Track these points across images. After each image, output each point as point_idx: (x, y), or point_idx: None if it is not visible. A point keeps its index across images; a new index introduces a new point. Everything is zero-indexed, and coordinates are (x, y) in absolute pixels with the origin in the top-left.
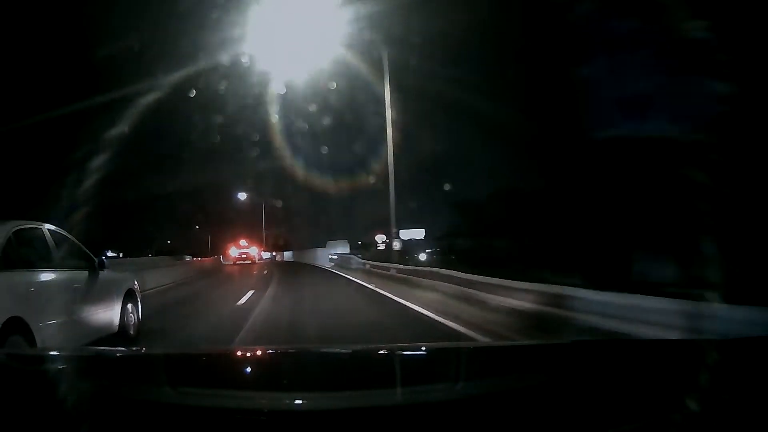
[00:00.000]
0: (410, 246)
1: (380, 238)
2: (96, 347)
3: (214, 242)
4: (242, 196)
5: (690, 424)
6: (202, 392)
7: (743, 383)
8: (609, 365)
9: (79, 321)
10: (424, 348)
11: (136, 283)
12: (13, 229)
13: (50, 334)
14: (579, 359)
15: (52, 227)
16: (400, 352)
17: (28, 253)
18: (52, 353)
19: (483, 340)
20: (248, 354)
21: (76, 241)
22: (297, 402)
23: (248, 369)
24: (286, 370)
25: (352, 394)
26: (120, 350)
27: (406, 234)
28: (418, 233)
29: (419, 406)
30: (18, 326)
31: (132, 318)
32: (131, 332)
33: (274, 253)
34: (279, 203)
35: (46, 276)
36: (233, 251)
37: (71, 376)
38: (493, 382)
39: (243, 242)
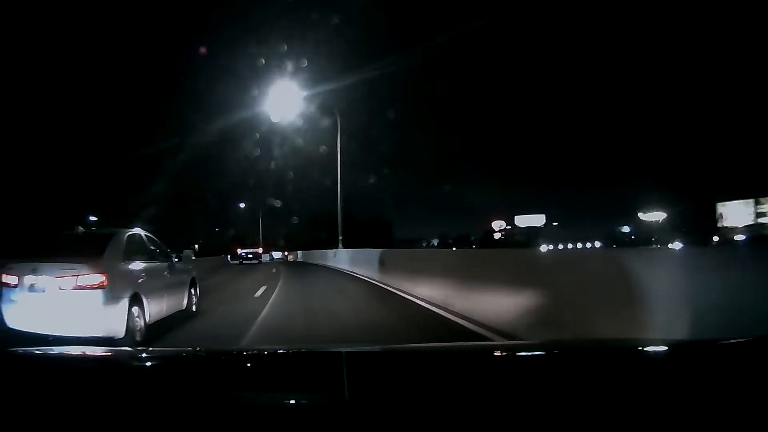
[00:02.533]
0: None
1: (498, 225)
2: (94, 347)
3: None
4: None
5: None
6: (202, 392)
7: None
8: (610, 372)
9: (167, 299)
10: (423, 348)
11: (194, 272)
12: (127, 233)
13: (152, 308)
14: (578, 364)
15: (146, 232)
16: (399, 352)
17: (136, 250)
18: (51, 353)
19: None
20: (247, 353)
21: (159, 241)
22: (296, 402)
23: (245, 369)
24: (285, 369)
25: (350, 395)
26: (120, 350)
27: (522, 220)
28: (538, 219)
29: (418, 406)
30: (137, 300)
31: (194, 299)
32: (193, 309)
33: (286, 253)
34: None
35: (148, 266)
36: (240, 251)
37: (72, 376)
38: (493, 383)
39: (250, 242)
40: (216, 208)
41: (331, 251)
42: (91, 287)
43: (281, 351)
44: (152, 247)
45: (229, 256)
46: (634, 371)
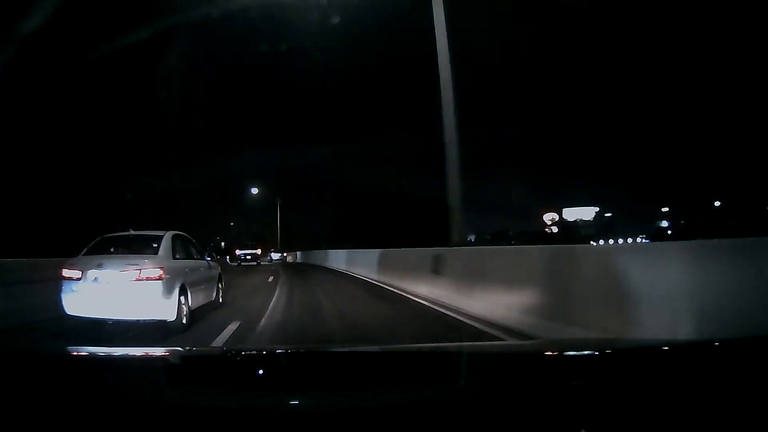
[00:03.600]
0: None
1: (550, 217)
2: (94, 347)
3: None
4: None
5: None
6: (202, 392)
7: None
8: (608, 373)
9: (203, 291)
10: (424, 348)
11: (220, 268)
12: (172, 235)
13: (194, 297)
14: (577, 365)
15: (186, 234)
16: (400, 352)
17: (180, 249)
18: (54, 353)
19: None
20: (247, 354)
21: (195, 241)
22: (297, 402)
23: (247, 369)
24: (287, 370)
25: (351, 395)
26: (121, 350)
27: (570, 213)
28: (587, 212)
29: (419, 406)
30: (183, 290)
31: (221, 293)
32: (220, 300)
33: (285, 254)
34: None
35: (190, 263)
36: (238, 252)
37: (73, 376)
38: (493, 383)
39: (249, 243)
40: (228, 197)
41: (354, 253)
42: (151, 279)
43: (291, 351)
44: (190, 247)
45: (228, 257)
46: (635, 371)
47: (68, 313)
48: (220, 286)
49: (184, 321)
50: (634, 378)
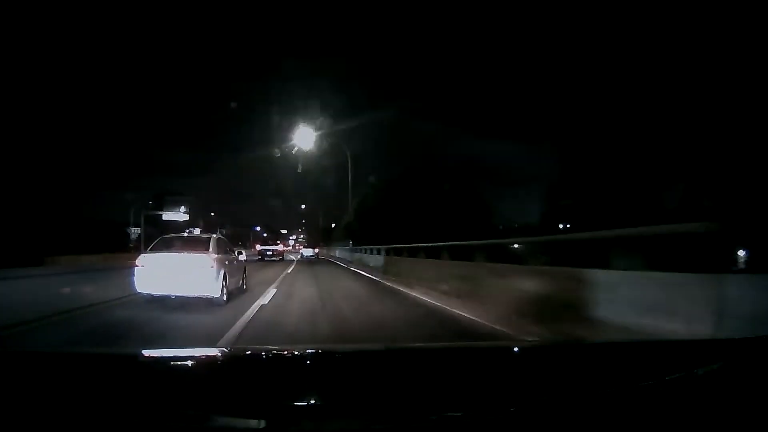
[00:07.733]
0: None
1: None
2: (92, 348)
3: None
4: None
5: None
6: (203, 392)
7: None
8: (609, 370)
9: (235, 278)
10: (425, 348)
11: (245, 262)
12: (215, 236)
13: (230, 283)
14: (579, 364)
15: (223, 237)
16: (403, 352)
17: (220, 247)
18: (54, 353)
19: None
20: (251, 354)
21: (228, 241)
22: (298, 402)
23: (248, 369)
24: (288, 369)
25: (354, 394)
26: (119, 351)
27: None
28: None
29: (420, 405)
30: (224, 277)
31: (245, 281)
32: (244, 287)
33: (317, 250)
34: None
35: (227, 257)
36: (260, 247)
37: (70, 376)
38: (494, 383)
39: (272, 238)
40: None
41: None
42: (206, 268)
43: (294, 351)
44: (226, 246)
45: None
46: (635, 370)
47: (139, 291)
48: (244, 276)
49: (224, 298)
50: (635, 377)
